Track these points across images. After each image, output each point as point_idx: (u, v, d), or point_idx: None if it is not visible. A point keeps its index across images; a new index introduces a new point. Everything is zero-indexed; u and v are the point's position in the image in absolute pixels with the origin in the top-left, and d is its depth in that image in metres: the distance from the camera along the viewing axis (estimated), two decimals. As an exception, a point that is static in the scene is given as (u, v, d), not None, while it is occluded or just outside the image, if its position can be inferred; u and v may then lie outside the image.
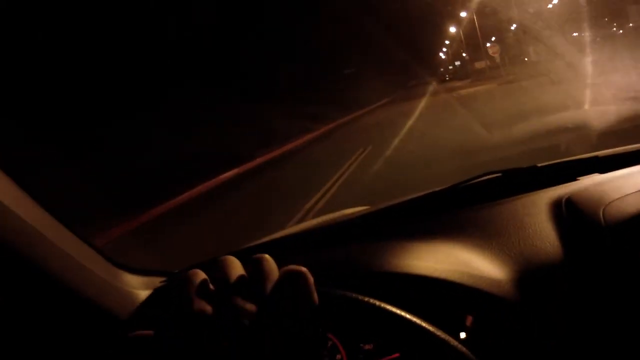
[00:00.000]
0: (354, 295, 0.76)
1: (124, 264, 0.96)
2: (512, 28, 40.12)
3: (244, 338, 0.40)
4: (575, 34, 26.98)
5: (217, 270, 0.43)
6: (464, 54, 56.46)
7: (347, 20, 47.08)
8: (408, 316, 0.73)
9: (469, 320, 0.82)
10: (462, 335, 0.80)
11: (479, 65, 49.23)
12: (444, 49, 72.33)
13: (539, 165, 1.14)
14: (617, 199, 0.90)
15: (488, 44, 27.85)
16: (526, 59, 31.29)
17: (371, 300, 0.74)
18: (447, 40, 63.63)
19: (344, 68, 45.79)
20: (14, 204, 0.72)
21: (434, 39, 73.52)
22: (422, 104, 21.14)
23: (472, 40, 50.69)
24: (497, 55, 26.72)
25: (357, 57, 46.96)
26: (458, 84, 36.48)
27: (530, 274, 0.85)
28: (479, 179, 1.14)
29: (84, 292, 0.83)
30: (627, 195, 0.91)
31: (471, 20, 42.21)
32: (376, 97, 37.07)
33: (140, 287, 0.97)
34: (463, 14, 37.34)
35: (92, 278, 0.85)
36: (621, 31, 26.73)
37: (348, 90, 36.29)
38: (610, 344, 0.74)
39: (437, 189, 1.15)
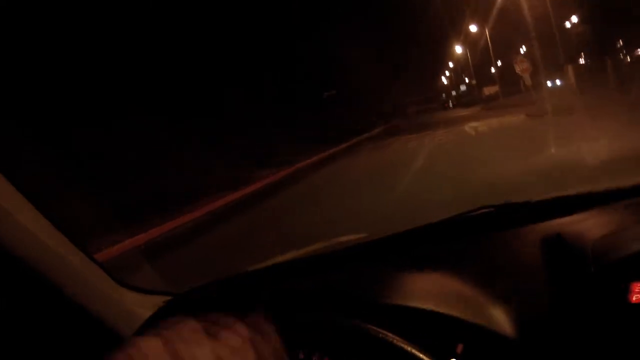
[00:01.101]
0: (351, 321, 0.84)
1: (127, 282, 0.98)
2: (522, 51, 34.77)
3: None
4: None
5: None
6: (466, 79, 48.40)
7: (330, 36, 38.69)
8: (401, 343, 0.80)
9: (460, 348, 0.88)
10: None
11: (489, 90, 41.18)
12: (447, 73, 64.52)
13: (533, 200, 1.17)
14: (607, 235, 0.96)
15: (518, 58, 19.59)
16: (549, 84, 23.65)
17: (367, 326, 0.81)
18: (450, 62, 55.12)
19: (323, 90, 37.54)
20: (24, 219, 0.78)
21: (435, 63, 65.85)
22: (428, 142, 16.18)
23: (480, 63, 42.44)
24: (527, 75, 18.72)
25: (341, 77, 38.64)
26: (465, 112, 31.88)
27: (519, 308, 0.91)
28: (474, 213, 1.17)
29: (89, 308, 0.87)
30: (618, 231, 0.97)
31: (478, 41, 37.08)
32: (363, 127, 30.24)
33: (143, 306, 1.00)
34: (473, 28, 29.31)
35: (97, 295, 0.89)
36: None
37: (326, 117, 28.53)
38: None
39: (433, 221, 1.18)
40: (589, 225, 1.06)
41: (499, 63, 31.78)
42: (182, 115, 16.47)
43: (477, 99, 39.54)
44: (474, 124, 17.56)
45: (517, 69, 18.97)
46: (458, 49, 42.63)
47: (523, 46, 33.14)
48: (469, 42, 38.57)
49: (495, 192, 5.22)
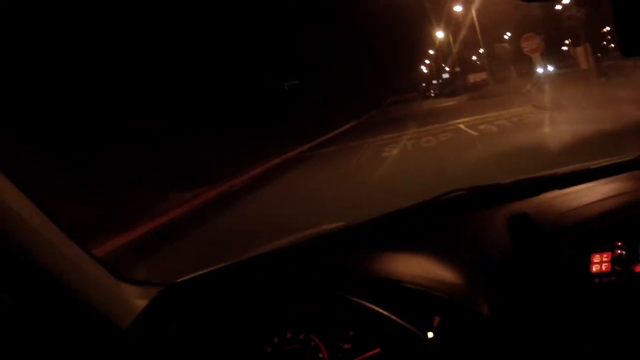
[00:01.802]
0: (340, 295, 0.92)
1: (122, 274, 1.04)
2: (507, 37, 33.73)
3: None
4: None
5: None
6: (447, 69, 44.08)
7: (290, 18, 33.42)
8: (387, 314, 0.89)
9: (436, 321, 0.95)
10: (430, 334, 0.94)
11: (475, 78, 36.50)
12: (427, 61, 60.31)
13: (502, 182, 1.30)
14: (568, 212, 1.10)
15: (524, 37, 15.11)
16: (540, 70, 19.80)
17: (351, 299, 0.90)
18: (430, 50, 50.92)
19: (284, 79, 32.41)
20: (23, 214, 0.83)
21: (414, 50, 61.33)
22: (409, 140, 12.71)
23: (464, 49, 38.02)
24: (537, 55, 14.31)
25: (308, 65, 33.48)
26: (450, 102, 29.14)
27: (490, 283, 1.03)
28: (446, 196, 1.29)
29: (86, 300, 0.91)
30: (578, 208, 1.11)
31: (462, 24, 34.19)
32: (333, 122, 26.29)
33: (138, 297, 1.06)
34: (458, 9, 24.81)
35: (94, 287, 0.94)
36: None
37: (287, 113, 24.85)
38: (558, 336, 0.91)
39: (408, 205, 1.30)
40: (552, 204, 1.20)
41: (482, 50, 27.70)
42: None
43: (462, 87, 36.88)
44: (466, 120, 14.07)
45: (525, 47, 16.50)
46: (439, 34, 40.47)
47: (508, 33, 32.05)
48: (452, 25, 36.52)
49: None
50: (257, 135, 17.48)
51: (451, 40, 37.44)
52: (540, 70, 21.02)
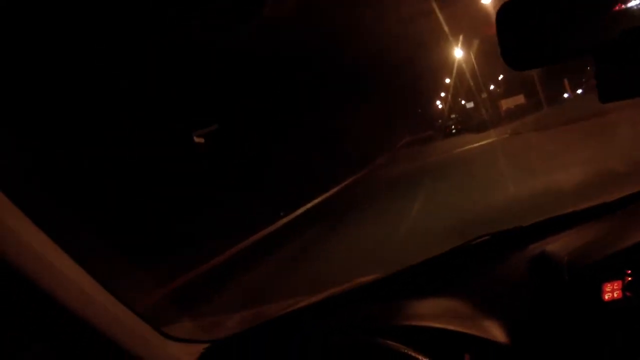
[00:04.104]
0: (373, 339, 1.08)
1: (166, 332, 1.14)
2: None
3: None
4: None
5: None
6: (462, 102, 36.00)
7: None
8: (421, 357, 1.02)
9: (467, 358, 1.10)
10: None
11: (509, 103, 27.95)
12: (442, 94, 52.54)
13: (524, 225, 1.50)
14: (580, 246, 1.25)
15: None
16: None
17: (388, 343, 1.04)
18: (446, 79, 43.24)
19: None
20: (71, 275, 0.90)
21: (426, 84, 53.30)
22: None
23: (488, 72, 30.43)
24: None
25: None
26: (486, 139, 21.13)
27: (510, 318, 1.19)
28: (472, 242, 1.50)
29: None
30: (589, 242, 1.27)
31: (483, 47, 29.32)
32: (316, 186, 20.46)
33: (184, 356, 1.17)
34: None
35: (145, 348, 1.01)
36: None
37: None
38: None
39: (436, 254, 1.50)
40: (567, 241, 1.35)
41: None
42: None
43: (493, 116, 30.69)
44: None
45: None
46: (458, 53, 29.18)
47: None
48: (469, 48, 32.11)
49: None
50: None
51: (474, 59, 29.08)
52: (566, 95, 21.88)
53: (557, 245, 1.30)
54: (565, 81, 23.09)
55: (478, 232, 1.53)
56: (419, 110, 70.95)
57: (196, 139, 20.30)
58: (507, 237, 1.43)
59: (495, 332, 1.14)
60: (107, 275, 0.99)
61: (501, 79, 34.77)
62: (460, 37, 31.71)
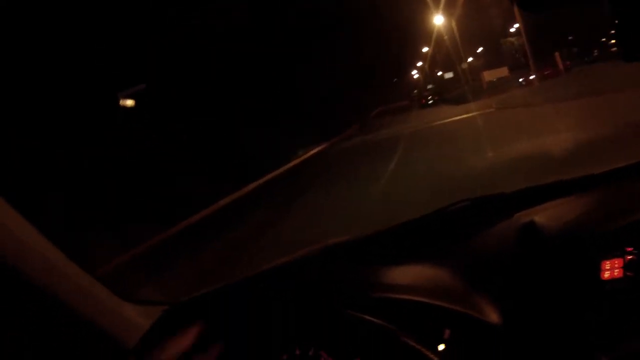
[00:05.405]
0: (346, 312, 0.99)
1: (125, 294, 1.13)
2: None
3: None
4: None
5: None
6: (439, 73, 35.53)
7: None
8: (395, 328, 0.93)
9: (447, 333, 0.99)
10: (441, 347, 0.99)
11: (492, 75, 27.27)
12: (419, 64, 51.04)
13: (507, 192, 1.39)
14: (575, 219, 1.13)
15: None
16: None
17: (361, 316, 0.94)
18: (424, 47, 41.59)
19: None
20: (25, 238, 0.88)
21: (402, 52, 51.61)
22: None
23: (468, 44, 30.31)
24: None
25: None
26: (467, 112, 19.28)
27: (501, 295, 1.06)
28: (452, 207, 1.37)
29: (91, 322, 0.97)
30: (585, 215, 1.15)
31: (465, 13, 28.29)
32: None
33: (142, 317, 1.14)
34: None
35: (99, 309, 1.00)
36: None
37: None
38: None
39: (414, 217, 1.39)
40: (559, 211, 1.22)
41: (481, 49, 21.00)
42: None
43: (475, 88, 28.07)
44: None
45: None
46: (438, 20, 32.69)
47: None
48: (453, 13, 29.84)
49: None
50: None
51: (455, 28, 27.51)
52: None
53: (546, 215, 1.21)
54: (557, 55, 21.99)
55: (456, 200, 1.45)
56: (395, 80, 70.35)
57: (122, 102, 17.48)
58: (489, 204, 1.34)
59: (481, 307, 1.03)
60: (59, 236, 0.94)
61: (481, 51, 33.45)
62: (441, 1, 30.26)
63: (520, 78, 26.62)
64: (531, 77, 25.40)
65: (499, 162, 7.29)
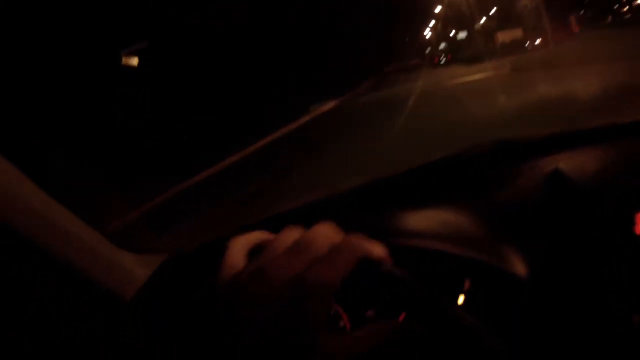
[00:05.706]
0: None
1: (124, 243, 1.10)
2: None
3: None
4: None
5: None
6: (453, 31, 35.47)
7: None
8: (412, 278, 0.84)
9: (467, 284, 0.96)
10: (461, 298, 0.96)
11: (506, 36, 27.44)
12: (431, 23, 50.84)
13: (528, 135, 1.34)
14: (606, 167, 1.07)
15: None
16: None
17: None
18: (437, 7, 41.19)
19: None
20: (18, 189, 0.85)
21: (415, 10, 51.19)
22: None
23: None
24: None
25: None
26: (482, 74, 19.09)
27: (526, 245, 1.01)
28: (471, 151, 1.34)
29: (88, 272, 0.94)
30: (616, 164, 1.09)
31: None
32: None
33: (142, 266, 1.10)
34: None
35: (96, 258, 0.97)
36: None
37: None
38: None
39: (430, 160, 1.34)
40: (582, 160, 1.17)
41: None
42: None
43: (488, 49, 28.13)
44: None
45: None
46: None
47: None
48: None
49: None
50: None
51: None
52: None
53: (574, 163, 1.13)
54: (573, 18, 21.98)
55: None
56: (407, 39, 69.72)
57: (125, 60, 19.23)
58: (510, 146, 1.27)
59: (507, 257, 0.97)
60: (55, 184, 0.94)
61: (494, 11, 33.19)
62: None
63: (534, 40, 26.26)
64: (546, 39, 25.22)
65: (515, 115, 7.46)
